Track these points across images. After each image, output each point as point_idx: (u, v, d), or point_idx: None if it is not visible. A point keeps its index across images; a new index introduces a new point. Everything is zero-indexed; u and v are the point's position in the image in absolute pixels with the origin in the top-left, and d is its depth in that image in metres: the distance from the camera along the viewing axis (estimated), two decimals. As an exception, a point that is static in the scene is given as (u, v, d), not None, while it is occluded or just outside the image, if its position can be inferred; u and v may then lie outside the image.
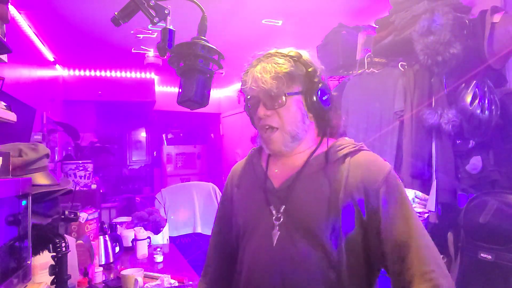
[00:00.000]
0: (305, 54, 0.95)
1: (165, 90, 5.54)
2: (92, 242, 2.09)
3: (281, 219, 0.90)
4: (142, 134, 6.84)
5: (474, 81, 1.82)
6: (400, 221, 0.85)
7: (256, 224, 0.94)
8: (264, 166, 1.01)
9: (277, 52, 0.93)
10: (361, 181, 0.87)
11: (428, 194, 1.96)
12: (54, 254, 1.14)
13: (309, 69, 0.92)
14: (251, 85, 0.92)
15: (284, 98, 0.90)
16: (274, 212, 0.92)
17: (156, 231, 2.83)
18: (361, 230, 0.87)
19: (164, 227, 2.90)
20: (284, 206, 0.91)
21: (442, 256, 1.96)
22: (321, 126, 0.97)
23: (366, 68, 2.46)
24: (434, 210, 1.91)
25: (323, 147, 0.96)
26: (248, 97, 0.96)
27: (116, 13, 1.06)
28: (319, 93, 0.91)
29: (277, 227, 0.90)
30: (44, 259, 1.22)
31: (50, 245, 1.14)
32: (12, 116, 1.69)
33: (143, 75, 4.88)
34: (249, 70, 0.95)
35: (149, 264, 2.30)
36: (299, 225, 0.89)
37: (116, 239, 2.39)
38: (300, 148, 0.96)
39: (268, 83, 0.89)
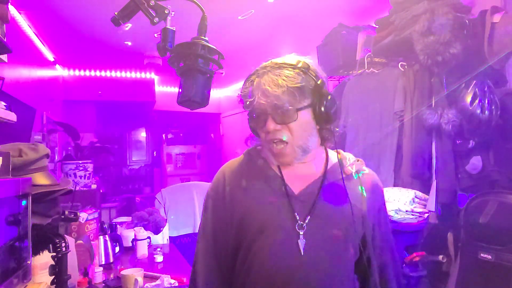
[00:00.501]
0: (310, 63, 0.93)
1: (165, 90, 5.54)
2: (92, 242, 2.09)
3: (305, 228, 0.89)
4: (142, 134, 6.84)
5: (474, 81, 1.82)
6: (387, 238, 1.03)
7: (274, 229, 0.91)
8: (276, 170, 0.98)
9: (285, 63, 0.90)
10: (373, 200, 0.99)
11: (428, 194, 1.96)
12: (54, 254, 1.14)
13: (318, 82, 0.91)
14: (259, 99, 0.89)
15: (295, 113, 0.88)
16: (298, 219, 0.90)
17: (156, 231, 2.83)
18: (365, 241, 0.97)
19: (164, 227, 2.90)
20: (309, 217, 0.91)
21: (442, 256, 1.96)
22: (324, 135, 0.98)
23: (366, 68, 2.46)
24: (434, 210, 1.91)
25: (333, 157, 1.01)
26: (247, 103, 0.93)
27: (116, 13, 1.06)
28: (328, 106, 0.91)
29: (302, 236, 0.89)
30: (44, 259, 1.22)
31: (50, 245, 1.14)
32: (12, 116, 1.69)
33: (143, 75, 4.88)
34: (254, 79, 0.91)
35: (149, 264, 2.30)
36: (326, 234, 0.91)
37: (116, 239, 2.39)
38: (308, 157, 0.97)
39: (279, 98, 0.87)
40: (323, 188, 0.94)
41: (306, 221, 0.90)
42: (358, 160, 1.02)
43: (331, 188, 0.95)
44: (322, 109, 0.90)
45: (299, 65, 0.90)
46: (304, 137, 0.91)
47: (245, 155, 1.06)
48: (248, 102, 0.92)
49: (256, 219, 0.93)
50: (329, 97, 0.91)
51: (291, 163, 0.95)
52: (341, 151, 1.04)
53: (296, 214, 0.91)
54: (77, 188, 2.90)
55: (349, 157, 1.02)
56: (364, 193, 0.97)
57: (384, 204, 1.04)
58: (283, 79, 0.87)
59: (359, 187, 0.97)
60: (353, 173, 0.99)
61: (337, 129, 2.51)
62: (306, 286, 0.87)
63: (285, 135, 0.90)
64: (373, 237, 0.98)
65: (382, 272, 0.99)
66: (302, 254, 0.88)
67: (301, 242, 0.88)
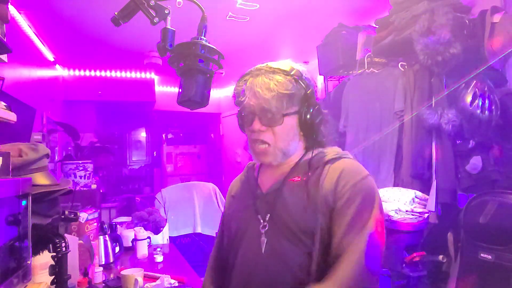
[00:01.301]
0: (304, 71, 0.96)
1: (165, 90, 5.54)
2: (92, 242, 2.09)
3: (267, 227, 0.94)
4: (142, 134, 6.84)
5: (474, 81, 1.82)
6: (351, 229, 0.86)
7: (245, 230, 0.99)
8: (255, 174, 1.07)
9: (279, 69, 0.93)
10: (334, 185, 0.90)
11: (428, 194, 1.96)
12: (54, 254, 1.14)
13: (308, 91, 0.95)
14: (249, 99, 0.93)
15: (281, 118, 0.92)
16: (261, 220, 0.96)
17: (156, 231, 2.83)
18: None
19: (164, 227, 2.90)
20: (269, 215, 0.95)
21: (442, 256, 1.96)
22: (309, 141, 1.00)
23: (366, 68, 2.46)
24: (434, 210, 1.91)
25: (309, 155, 1.00)
26: (240, 99, 0.97)
27: (116, 13, 1.06)
28: (314, 115, 0.95)
29: (264, 235, 0.94)
30: (44, 259, 1.21)
31: (50, 245, 1.14)
32: (12, 116, 1.69)
33: (143, 75, 4.87)
34: (248, 80, 0.94)
35: (149, 264, 2.30)
36: (283, 230, 0.92)
37: (116, 239, 2.39)
38: (289, 160, 0.99)
39: (268, 102, 0.90)
40: (285, 185, 0.96)
41: (267, 219, 0.95)
42: (334, 153, 0.97)
43: (292, 185, 0.96)
44: (308, 117, 0.94)
45: (292, 72, 0.93)
46: (286, 141, 0.95)
47: (245, 169, 1.15)
48: (240, 99, 0.96)
49: (234, 223, 1.05)
50: (316, 107, 0.95)
51: (270, 163, 0.98)
52: (333, 148, 1.02)
53: (258, 214, 0.97)
54: (77, 188, 2.90)
55: (326, 152, 0.98)
56: (323, 185, 0.90)
57: (358, 190, 0.88)
58: (275, 84, 0.90)
59: (322, 177, 0.92)
60: (320, 166, 0.94)
61: (340, 128, 2.51)
62: (266, 282, 0.91)
63: (268, 137, 0.94)
64: (337, 227, 0.87)
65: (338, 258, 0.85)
66: (263, 252, 0.93)
67: (263, 241, 0.93)
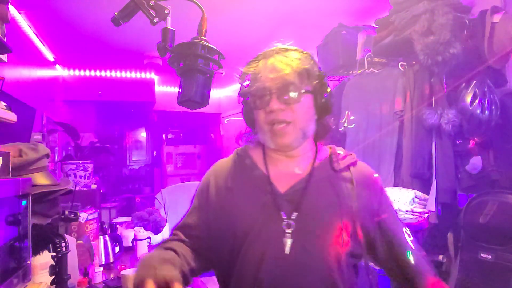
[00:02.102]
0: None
1: (165, 90, 5.53)
2: (92, 242, 2.09)
3: (293, 226, 0.88)
4: (142, 134, 6.83)
5: (474, 81, 1.82)
6: (396, 225, 0.98)
7: (261, 229, 0.89)
8: (262, 169, 0.97)
9: (292, 48, 0.94)
10: (367, 192, 0.95)
11: (428, 194, 1.96)
12: (54, 254, 1.14)
13: (321, 71, 0.95)
14: (265, 78, 0.89)
15: (301, 95, 0.90)
16: (285, 218, 0.89)
17: (156, 231, 2.83)
18: (367, 236, 0.93)
19: (164, 227, 2.90)
20: (296, 213, 0.88)
21: (442, 256, 1.96)
22: (320, 129, 0.98)
23: (366, 68, 2.46)
24: (434, 210, 1.91)
25: (323, 153, 0.99)
26: (254, 78, 0.92)
27: (116, 13, 1.06)
28: (328, 97, 0.94)
29: (289, 234, 0.87)
30: (44, 259, 1.22)
31: (50, 245, 1.14)
32: (12, 116, 1.69)
33: (143, 75, 4.87)
34: (260, 61, 0.93)
35: (149, 264, 2.30)
36: (313, 232, 0.88)
37: (116, 239, 2.39)
38: (299, 151, 0.96)
39: (289, 76, 0.88)
40: (310, 186, 0.92)
41: (293, 218, 0.88)
42: (351, 155, 0.99)
43: (318, 185, 0.93)
44: (324, 99, 0.93)
45: (305, 52, 0.95)
46: (305, 121, 0.92)
47: (233, 155, 1.05)
48: (252, 79, 0.92)
49: (242, 220, 0.92)
50: (328, 89, 0.95)
51: (291, 145, 0.92)
52: (333, 146, 1.02)
53: (282, 213, 0.89)
54: (77, 188, 2.89)
55: (340, 152, 0.99)
56: (355, 189, 0.92)
57: (384, 195, 0.99)
58: (292, 60, 0.90)
59: (350, 182, 0.93)
60: (343, 168, 0.96)
61: (341, 129, 2.51)
62: (293, 284, 0.86)
63: (288, 116, 0.89)
64: (384, 230, 0.94)
65: (405, 261, 0.94)
66: (288, 253, 0.86)
67: (287, 241, 0.87)
